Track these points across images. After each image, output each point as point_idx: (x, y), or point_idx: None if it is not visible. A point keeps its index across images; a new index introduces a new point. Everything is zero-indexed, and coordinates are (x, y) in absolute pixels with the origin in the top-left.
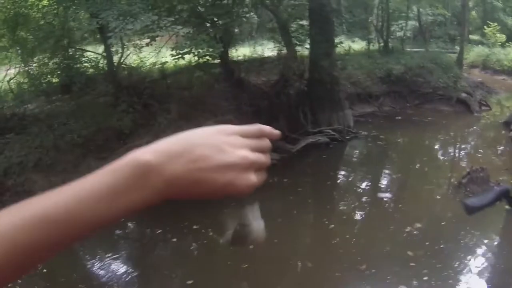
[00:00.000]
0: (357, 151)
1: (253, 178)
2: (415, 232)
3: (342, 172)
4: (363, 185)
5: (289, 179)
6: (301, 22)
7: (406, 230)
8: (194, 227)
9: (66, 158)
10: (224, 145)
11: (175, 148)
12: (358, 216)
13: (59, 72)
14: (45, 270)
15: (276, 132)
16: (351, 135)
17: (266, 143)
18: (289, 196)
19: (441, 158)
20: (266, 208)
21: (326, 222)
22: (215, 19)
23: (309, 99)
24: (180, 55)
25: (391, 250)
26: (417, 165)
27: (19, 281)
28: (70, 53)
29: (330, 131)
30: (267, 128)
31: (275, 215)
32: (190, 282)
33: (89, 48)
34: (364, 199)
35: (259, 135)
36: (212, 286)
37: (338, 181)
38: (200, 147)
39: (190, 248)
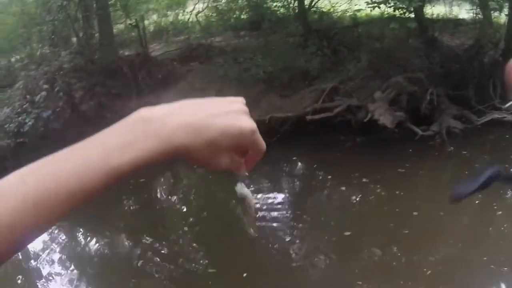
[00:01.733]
0: None
1: (252, 121)
2: None
3: None
4: None
5: (468, 152)
6: None
7: None
8: (364, 180)
9: (248, 91)
10: (219, 102)
11: (175, 105)
12: None
13: (248, 9)
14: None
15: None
16: None
17: None
18: (463, 170)
19: None
20: (438, 176)
21: (494, 207)
22: None
23: (502, 72)
24: (375, 4)
25: None
26: None
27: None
28: None
29: None
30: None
31: (445, 186)
32: (347, 233)
33: None
34: None
35: None
36: (368, 243)
37: None
38: (197, 104)
39: (355, 200)
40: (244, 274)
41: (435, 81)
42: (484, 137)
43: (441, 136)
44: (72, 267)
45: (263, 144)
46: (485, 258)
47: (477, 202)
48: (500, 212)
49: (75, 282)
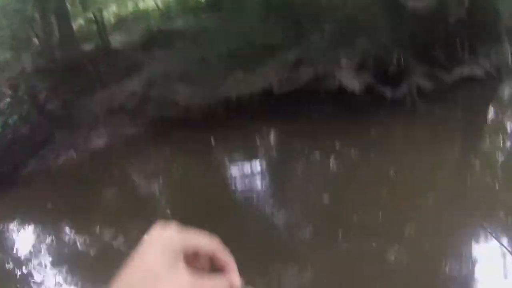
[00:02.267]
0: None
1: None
2: None
3: (494, 111)
4: None
5: (440, 110)
6: None
7: None
8: (338, 145)
9: (211, 71)
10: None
11: None
12: (505, 162)
13: None
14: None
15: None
16: (507, 73)
17: None
18: (437, 127)
19: None
20: (412, 136)
21: (472, 161)
22: None
23: (468, 29)
24: None
25: None
26: None
27: None
28: None
29: (487, 65)
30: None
31: (420, 145)
32: (326, 197)
33: None
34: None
35: None
36: (347, 206)
37: (488, 120)
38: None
39: (330, 165)
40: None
41: (401, 44)
42: (454, 94)
43: (411, 96)
44: (51, 262)
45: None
46: (466, 212)
47: (454, 156)
48: (478, 165)
49: (56, 276)
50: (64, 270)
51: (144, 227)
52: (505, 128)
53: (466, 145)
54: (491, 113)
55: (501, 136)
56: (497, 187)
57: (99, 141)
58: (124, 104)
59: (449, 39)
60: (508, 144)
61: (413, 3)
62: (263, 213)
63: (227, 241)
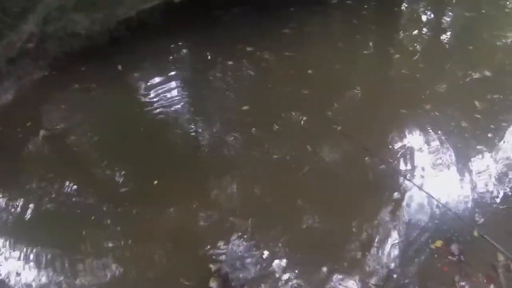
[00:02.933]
0: None
1: None
2: (483, 80)
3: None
4: (431, 17)
5: (351, 1)
6: None
7: (474, 76)
8: (249, 49)
9: None
10: None
11: None
12: (423, 50)
13: None
14: None
15: None
16: None
17: None
18: (351, 19)
19: None
20: (326, 30)
21: (391, 51)
22: None
23: None
24: None
25: (457, 97)
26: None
27: None
28: None
29: None
30: None
31: (336, 39)
32: (245, 108)
33: None
34: (429, 33)
35: None
36: (269, 112)
37: (405, 9)
38: None
39: (245, 72)
40: (155, 182)
41: None
42: None
43: None
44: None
45: None
46: (391, 102)
47: (371, 44)
48: (397, 56)
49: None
50: (26, 243)
51: (81, 172)
52: (420, 17)
53: (383, 34)
54: (405, 3)
55: (415, 25)
56: (417, 76)
57: (7, 96)
58: (24, 49)
59: None
60: (423, 33)
61: None
62: (187, 129)
63: (159, 164)
